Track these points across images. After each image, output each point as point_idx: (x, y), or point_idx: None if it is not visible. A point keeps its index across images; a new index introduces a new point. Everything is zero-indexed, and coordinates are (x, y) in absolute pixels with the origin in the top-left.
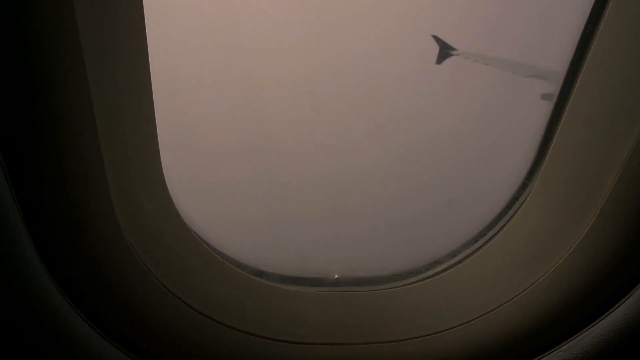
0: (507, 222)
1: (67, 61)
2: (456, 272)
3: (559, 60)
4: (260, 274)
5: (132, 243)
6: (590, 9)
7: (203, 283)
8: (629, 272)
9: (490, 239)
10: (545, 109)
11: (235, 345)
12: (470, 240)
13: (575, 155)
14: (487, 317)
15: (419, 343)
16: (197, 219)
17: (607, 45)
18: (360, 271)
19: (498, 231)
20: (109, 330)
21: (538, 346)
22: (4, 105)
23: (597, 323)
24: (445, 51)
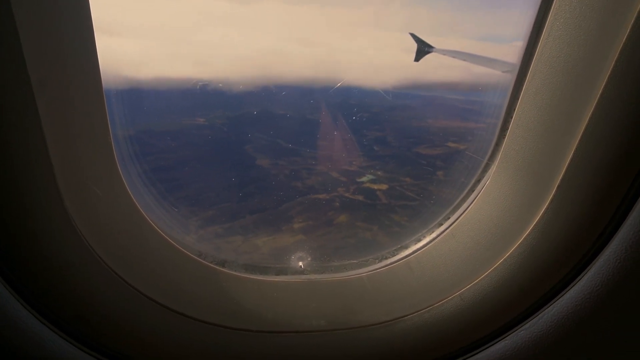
0: (470, 204)
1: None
2: (421, 256)
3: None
4: (223, 263)
5: (84, 233)
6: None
7: (162, 273)
8: (585, 249)
9: (454, 221)
10: (504, 94)
11: (198, 336)
12: (435, 224)
13: (532, 135)
14: (451, 299)
15: (386, 328)
16: (154, 208)
17: (556, 35)
18: (325, 259)
19: (462, 213)
20: (60, 324)
21: (500, 326)
22: None
23: (555, 301)
24: (422, 48)
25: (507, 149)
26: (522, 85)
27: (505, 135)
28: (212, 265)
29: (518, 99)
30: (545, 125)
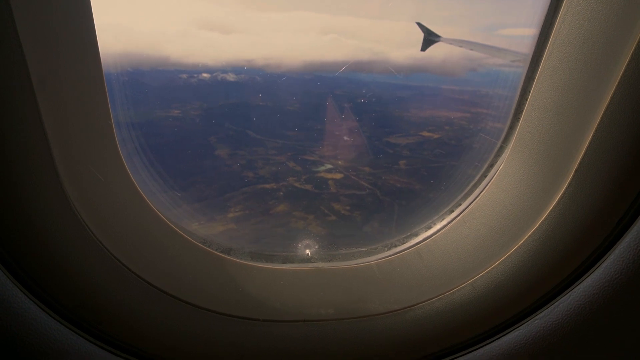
0: (482, 189)
1: None
2: (432, 243)
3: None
4: (229, 250)
5: (85, 220)
6: None
7: (166, 261)
8: (603, 236)
9: (466, 208)
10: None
11: (202, 325)
12: (446, 210)
13: (549, 117)
14: (463, 287)
15: (396, 316)
16: (160, 196)
17: (576, 10)
18: (333, 247)
19: (474, 199)
20: (61, 311)
21: (514, 315)
22: None
23: (571, 290)
24: (429, 38)
25: (522, 132)
26: (538, 65)
27: (519, 118)
28: (217, 252)
29: (533, 79)
30: (563, 106)
